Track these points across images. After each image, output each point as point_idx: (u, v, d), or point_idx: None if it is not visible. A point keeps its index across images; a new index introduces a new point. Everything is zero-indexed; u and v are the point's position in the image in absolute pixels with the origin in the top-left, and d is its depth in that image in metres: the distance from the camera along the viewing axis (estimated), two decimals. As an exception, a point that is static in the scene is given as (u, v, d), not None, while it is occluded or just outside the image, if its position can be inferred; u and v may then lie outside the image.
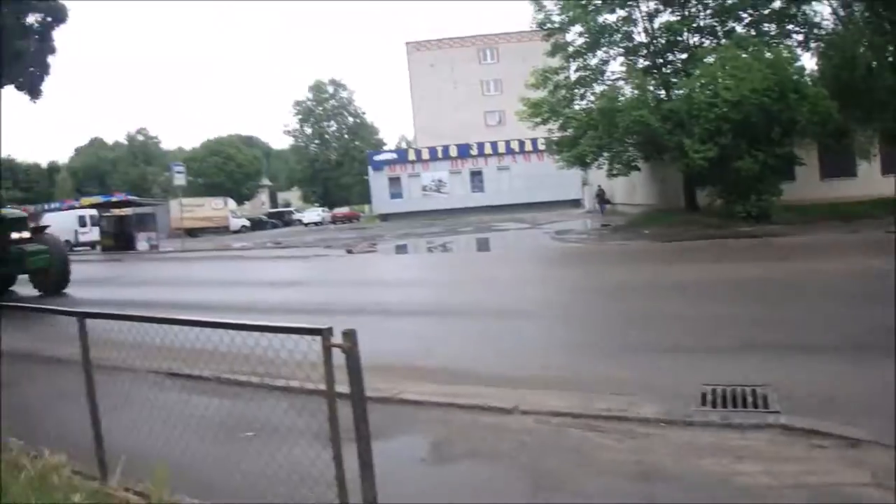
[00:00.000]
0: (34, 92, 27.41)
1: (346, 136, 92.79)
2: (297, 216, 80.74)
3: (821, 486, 4.59)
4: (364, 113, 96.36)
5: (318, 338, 3.53)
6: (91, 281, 19.58)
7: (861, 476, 4.67)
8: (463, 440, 5.84)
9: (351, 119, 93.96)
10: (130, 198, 53.98)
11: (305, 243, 39.38)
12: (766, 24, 28.96)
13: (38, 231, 21.54)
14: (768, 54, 25.70)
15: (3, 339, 8.77)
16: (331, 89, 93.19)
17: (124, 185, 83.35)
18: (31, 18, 26.39)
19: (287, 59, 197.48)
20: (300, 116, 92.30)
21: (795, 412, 5.78)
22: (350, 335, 3.48)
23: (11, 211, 23.32)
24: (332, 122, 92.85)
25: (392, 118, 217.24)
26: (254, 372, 6.53)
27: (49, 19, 26.69)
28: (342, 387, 3.52)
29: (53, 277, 20.64)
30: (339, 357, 3.51)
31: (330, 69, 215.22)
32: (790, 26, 29.07)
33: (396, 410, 6.60)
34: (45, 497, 4.52)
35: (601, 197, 46.03)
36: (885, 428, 5.18)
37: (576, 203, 59.37)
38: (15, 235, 19.78)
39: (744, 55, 25.26)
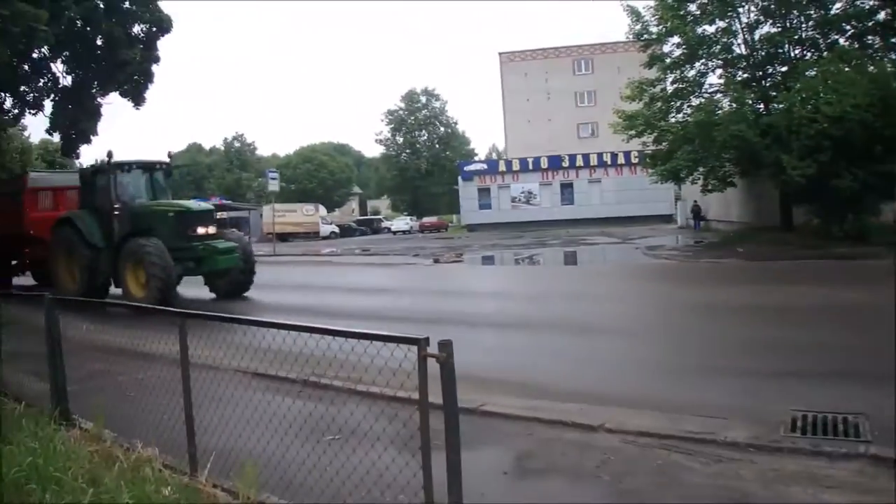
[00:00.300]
0: (138, 99, 28.41)
1: (437, 145, 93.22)
2: (385, 224, 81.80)
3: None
4: (456, 123, 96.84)
5: (414, 347, 3.56)
6: (187, 280, 18.85)
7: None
8: (546, 455, 5.83)
9: (442, 129, 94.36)
10: (225, 202, 55.39)
11: (393, 251, 39.80)
12: (869, 37, 27.87)
13: (221, 226, 19.89)
14: (872, 68, 24.79)
15: (106, 335, 9.17)
16: (423, 99, 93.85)
17: (219, 190, 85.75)
18: (137, 28, 27.41)
19: (381, 69, 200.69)
20: (392, 125, 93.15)
21: (888, 443, 5.54)
22: (446, 346, 3.50)
23: (197, 203, 21.78)
24: (424, 132, 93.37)
25: (484, 128, 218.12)
26: (349, 377, 6.64)
27: (154, 29, 27.69)
28: (432, 396, 3.58)
29: (238, 278, 18.85)
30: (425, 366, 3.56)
31: (423, 78, 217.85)
32: (895, 39, 27.96)
33: (479, 422, 6.61)
34: (136, 489, 4.65)
35: (696, 213, 45.18)
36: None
37: (667, 218, 58.38)
38: (201, 230, 17.99)
39: (846, 69, 24.43)
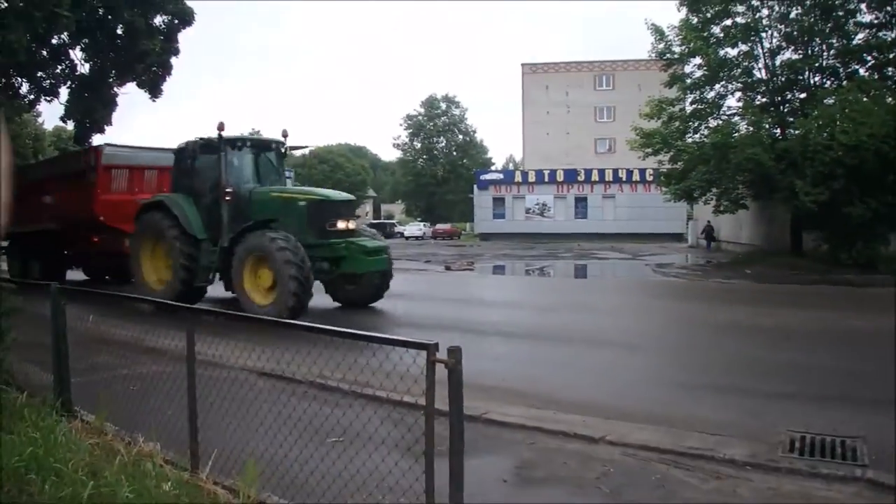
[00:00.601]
0: (155, 91, 28.33)
1: (454, 152, 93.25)
2: (398, 229, 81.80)
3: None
4: (474, 131, 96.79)
5: (422, 352, 3.60)
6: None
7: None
8: (546, 465, 5.87)
9: (461, 136, 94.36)
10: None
11: (405, 256, 39.82)
12: (889, 69, 27.82)
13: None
14: (889, 99, 24.83)
15: (113, 328, 9.25)
16: (443, 105, 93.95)
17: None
18: (159, 20, 27.39)
19: (402, 73, 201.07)
20: (411, 130, 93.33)
21: (885, 468, 5.59)
22: (455, 352, 3.52)
23: (335, 192, 16.98)
24: (442, 138, 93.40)
25: (502, 138, 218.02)
26: (355, 380, 6.68)
27: (175, 21, 27.67)
28: (438, 402, 3.63)
29: (374, 285, 15.90)
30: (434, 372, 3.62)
31: (444, 85, 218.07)
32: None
33: (481, 430, 6.65)
34: (136, 483, 4.64)
35: (709, 233, 45.17)
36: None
37: (678, 237, 58.35)
38: (341, 225, 14.94)
39: (864, 99, 24.41)
